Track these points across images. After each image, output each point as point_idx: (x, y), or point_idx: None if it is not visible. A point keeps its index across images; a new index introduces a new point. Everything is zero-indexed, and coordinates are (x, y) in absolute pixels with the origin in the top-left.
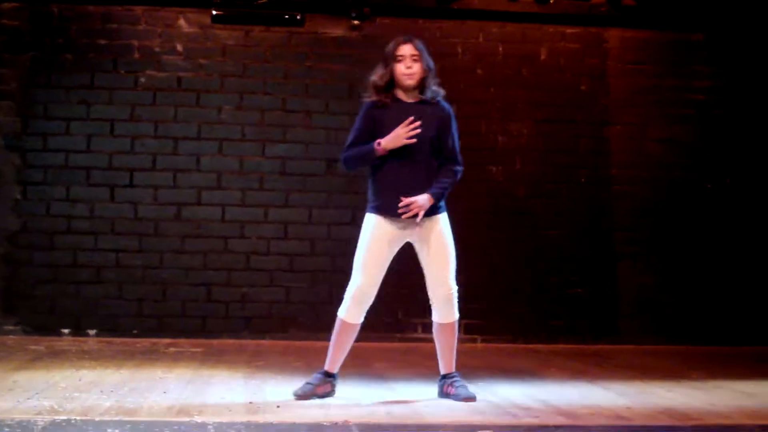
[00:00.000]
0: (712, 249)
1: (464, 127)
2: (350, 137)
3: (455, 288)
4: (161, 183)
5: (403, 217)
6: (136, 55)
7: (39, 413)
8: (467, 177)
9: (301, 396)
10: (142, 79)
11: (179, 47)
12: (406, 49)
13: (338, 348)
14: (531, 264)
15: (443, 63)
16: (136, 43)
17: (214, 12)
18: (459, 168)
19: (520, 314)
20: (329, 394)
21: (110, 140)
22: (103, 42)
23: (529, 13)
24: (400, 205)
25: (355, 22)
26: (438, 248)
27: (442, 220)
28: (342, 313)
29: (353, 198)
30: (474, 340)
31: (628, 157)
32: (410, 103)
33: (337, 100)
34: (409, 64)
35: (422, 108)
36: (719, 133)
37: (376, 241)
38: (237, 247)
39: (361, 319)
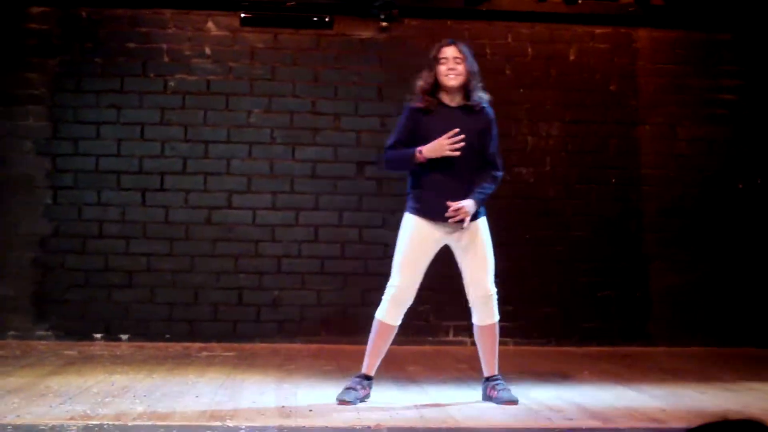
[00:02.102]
0: (744, 250)
1: None
2: (391, 138)
3: (494, 290)
4: (192, 187)
5: (451, 222)
6: (166, 59)
7: (72, 418)
8: None
9: (346, 401)
10: (172, 83)
11: (208, 50)
12: (449, 51)
13: (376, 351)
14: (561, 266)
15: None
16: (165, 46)
17: (242, 15)
18: (499, 173)
19: (551, 317)
20: (367, 397)
21: (140, 144)
22: (132, 46)
23: (558, 13)
24: (448, 213)
25: (384, 24)
26: (477, 251)
27: (482, 223)
28: (380, 314)
29: (384, 201)
30: (505, 343)
31: (658, 157)
32: (453, 108)
33: (366, 102)
34: (451, 66)
35: (465, 114)
36: (749, 132)
37: (416, 242)
38: (268, 250)
39: (399, 321)
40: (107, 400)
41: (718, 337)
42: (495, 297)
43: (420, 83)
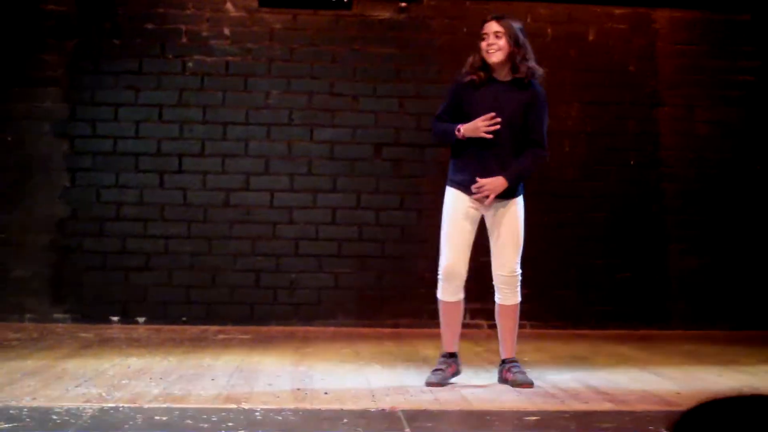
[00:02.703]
0: (763, 231)
1: None
2: (440, 109)
3: (519, 272)
4: (210, 168)
5: (474, 197)
6: (184, 40)
7: (87, 401)
8: None
9: (436, 383)
10: (190, 64)
11: (227, 31)
12: (490, 27)
13: (447, 328)
14: (579, 248)
15: None
16: (183, 27)
17: None
18: (542, 152)
19: (569, 299)
20: (457, 373)
21: (159, 126)
22: (150, 27)
23: None
24: (473, 186)
25: (403, 4)
26: (507, 230)
27: (517, 203)
28: (439, 293)
29: (401, 183)
30: (522, 326)
31: (677, 138)
32: (500, 83)
33: (384, 83)
34: (491, 41)
35: (511, 88)
36: None
37: (457, 214)
38: (285, 232)
39: (460, 296)
40: (123, 382)
41: (737, 319)
42: (519, 279)
43: (469, 58)
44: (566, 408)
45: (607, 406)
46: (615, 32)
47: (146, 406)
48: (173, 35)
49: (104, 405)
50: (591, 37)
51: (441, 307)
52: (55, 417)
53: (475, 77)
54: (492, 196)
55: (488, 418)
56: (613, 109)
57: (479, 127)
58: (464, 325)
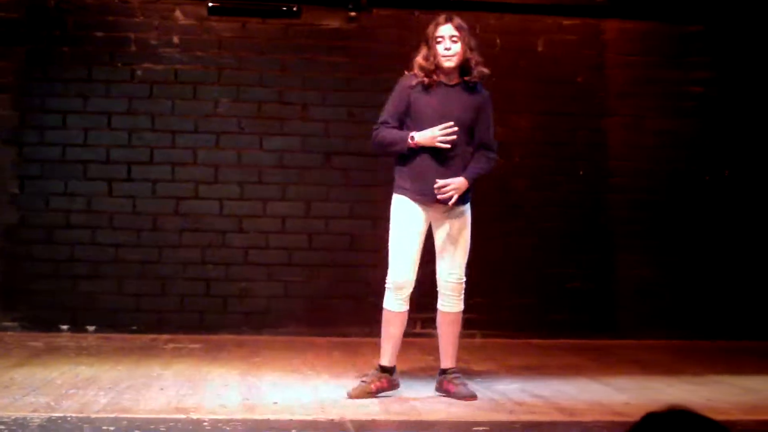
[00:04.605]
0: (711, 242)
1: None
2: (384, 115)
3: (464, 279)
4: (159, 177)
5: (439, 197)
6: (133, 48)
7: (35, 410)
8: None
9: (354, 395)
10: (139, 72)
11: (176, 39)
12: (446, 30)
13: (388, 339)
14: (530, 258)
15: None
16: (132, 35)
17: (210, 4)
18: (494, 156)
19: (520, 309)
20: (385, 389)
21: (107, 134)
22: (99, 35)
23: (526, 4)
24: (436, 186)
25: (352, 13)
26: (457, 236)
27: (467, 210)
28: (388, 304)
29: (351, 191)
30: (473, 336)
31: (626, 149)
32: (450, 86)
33: (334, 92)
34: (448, 46)
35: (461, 92)
36: (718, 125)
37: (410, 224)
38: (235, 241)
39: (406, 308)
40: (71, 392)
41: (688, 329)
42: (464, 286)
43: (419, 60)
44: (515, 419)
45: (557, 416)
46: (564, 43)
47: (94, 416)
48: (122, 43)
49: (52, 414)
50: (540, 48)
51: (387, 318)
52: (2, 427)
53: (427, 80)
54: (456, 196)
55: (437, 429)
56: (563, 119)
57: (435, 136)
58: (415, 335)
